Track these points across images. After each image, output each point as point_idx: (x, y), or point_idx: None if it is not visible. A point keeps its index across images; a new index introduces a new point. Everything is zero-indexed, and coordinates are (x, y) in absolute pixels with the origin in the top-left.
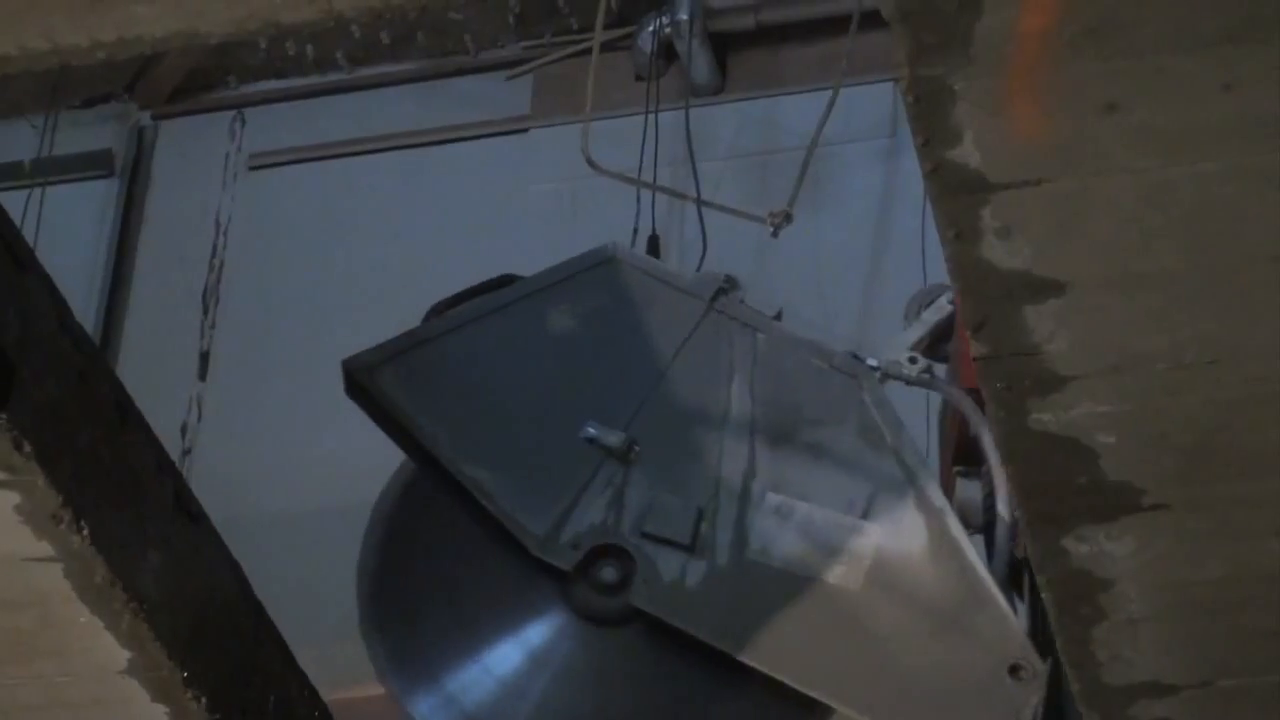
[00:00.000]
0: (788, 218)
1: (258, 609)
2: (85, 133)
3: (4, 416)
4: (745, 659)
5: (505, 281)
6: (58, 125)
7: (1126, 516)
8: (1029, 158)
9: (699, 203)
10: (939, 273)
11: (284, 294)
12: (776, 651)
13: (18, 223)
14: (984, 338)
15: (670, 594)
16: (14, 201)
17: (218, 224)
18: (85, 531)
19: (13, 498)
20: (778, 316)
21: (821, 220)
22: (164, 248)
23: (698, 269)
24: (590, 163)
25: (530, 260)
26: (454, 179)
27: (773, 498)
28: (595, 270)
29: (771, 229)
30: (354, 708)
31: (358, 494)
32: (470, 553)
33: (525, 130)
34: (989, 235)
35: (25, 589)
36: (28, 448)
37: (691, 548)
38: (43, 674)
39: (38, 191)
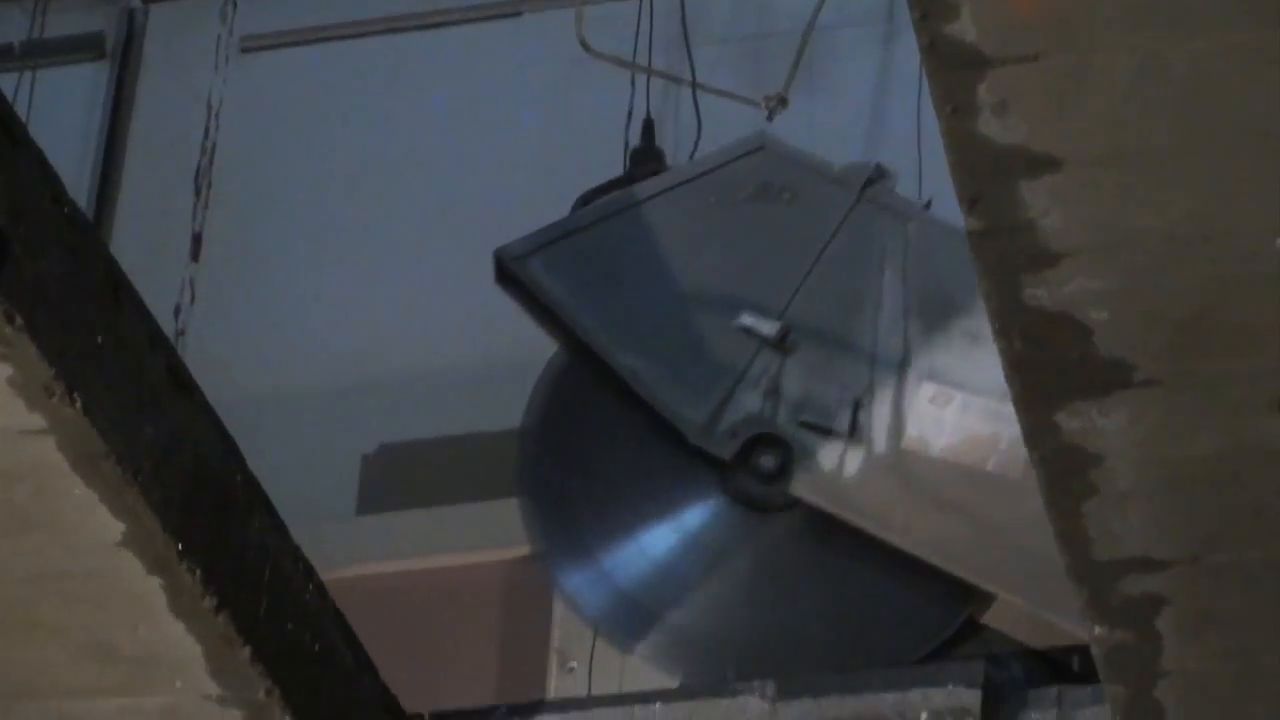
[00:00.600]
0: (782, 102)
1: (251, 482)
2: (76, 16)
3: None
4: (904, 546)
5: (654, 171)
6: (47, 8)
7: (1118, 392)
8: (1026, 33)
9: (694, 86)
10: (934, 158)
11: (277, 177)
12: (935, 539)
13: None
14: (979, 213)
15: (829, 483)
16: (4, 85)
17: (209, 107)
18: (78, 404)
19: (5, 370)
20: (927, 205)
21: (816, 105)
22: (156, 131)
23: (691, 154)
24: (584, 46)
25: (523, 145)
26: (446, 63)
27: (928, 386)
28: (746, 159)
29: (766, 113)
30: (349, 587)
31: (350, 376)
32: (626, 437)
33: (518, 14)
34: (985, 111)
35: (18, 462)
36: (19, 320)
37: (850, 436)
38: (37, 546)
39: (28, 75)
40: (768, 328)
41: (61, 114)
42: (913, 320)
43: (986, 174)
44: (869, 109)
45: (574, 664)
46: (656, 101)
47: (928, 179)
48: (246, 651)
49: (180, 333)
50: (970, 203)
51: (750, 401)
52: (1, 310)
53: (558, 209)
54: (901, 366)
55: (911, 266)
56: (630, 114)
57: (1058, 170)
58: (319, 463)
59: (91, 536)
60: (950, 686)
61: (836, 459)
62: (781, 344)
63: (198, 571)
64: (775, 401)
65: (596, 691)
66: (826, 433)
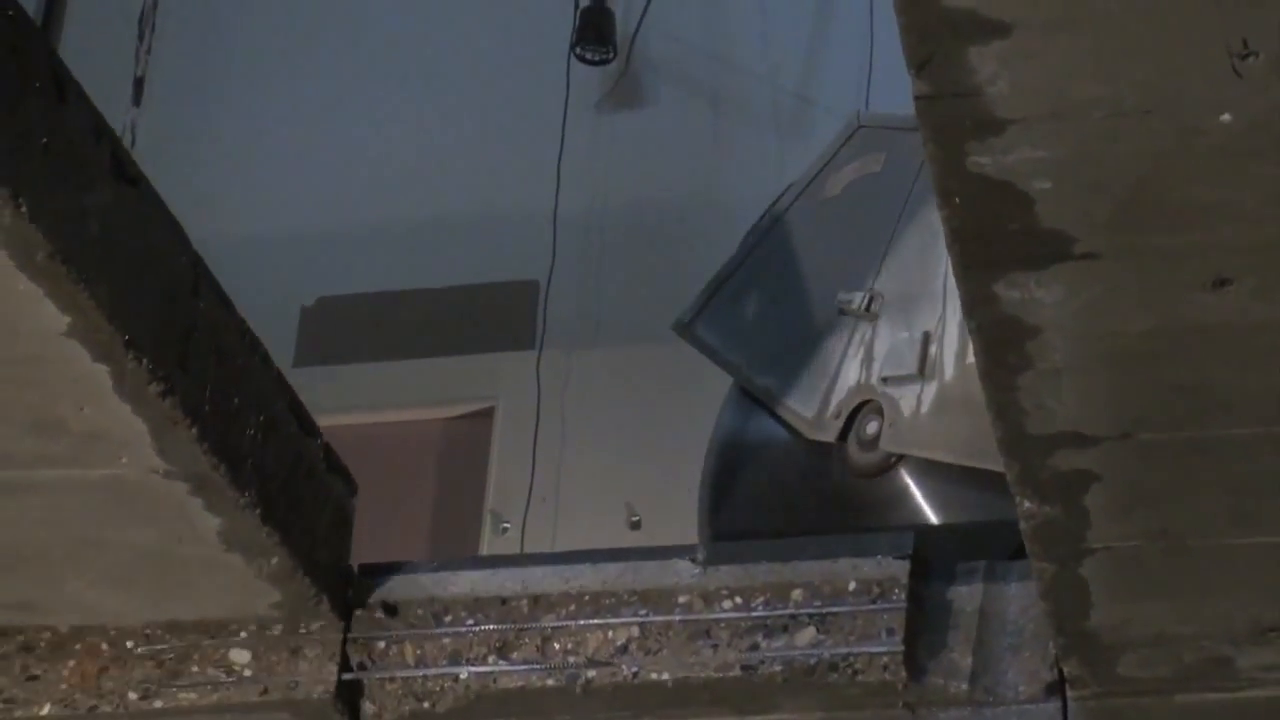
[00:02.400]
0: None
1: (196, 262)
2: None
3: None
4: (992, 466)
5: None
6: None
7: (1057, 264)
8: None
9: None
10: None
11: (221, 18)
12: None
13: None
14: (926, 77)
15: (911, 427)
16: None
17: None
18: (23, 209)
19: None
20: None
21: None
22: None
23: (642, 16)
24: None
25: (464, 10)
26: None
27: None
28: (847, 146)
29: None
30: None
31: (291, 227)
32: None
33: None
34: None
35: None
36: None
37: (921, 374)
38: None
39: None
40: (855, 298)
41: None
42: None
43: (935, 37)
44: None
45: (508, 524)
46: None
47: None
48: (193, 431)
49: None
50: (918, 66)
51: (851, 375)
52: None
53: (508, 67)
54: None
55: None
56: None
57: (1007, 35)
58: (256, 313)
59: (38, 327)
60: (879, 557)
61: (914, 401)
62: (869, 310)
63: (143, 360)
64: (869, 366)
65: (527, 551)
66: (902, 379)
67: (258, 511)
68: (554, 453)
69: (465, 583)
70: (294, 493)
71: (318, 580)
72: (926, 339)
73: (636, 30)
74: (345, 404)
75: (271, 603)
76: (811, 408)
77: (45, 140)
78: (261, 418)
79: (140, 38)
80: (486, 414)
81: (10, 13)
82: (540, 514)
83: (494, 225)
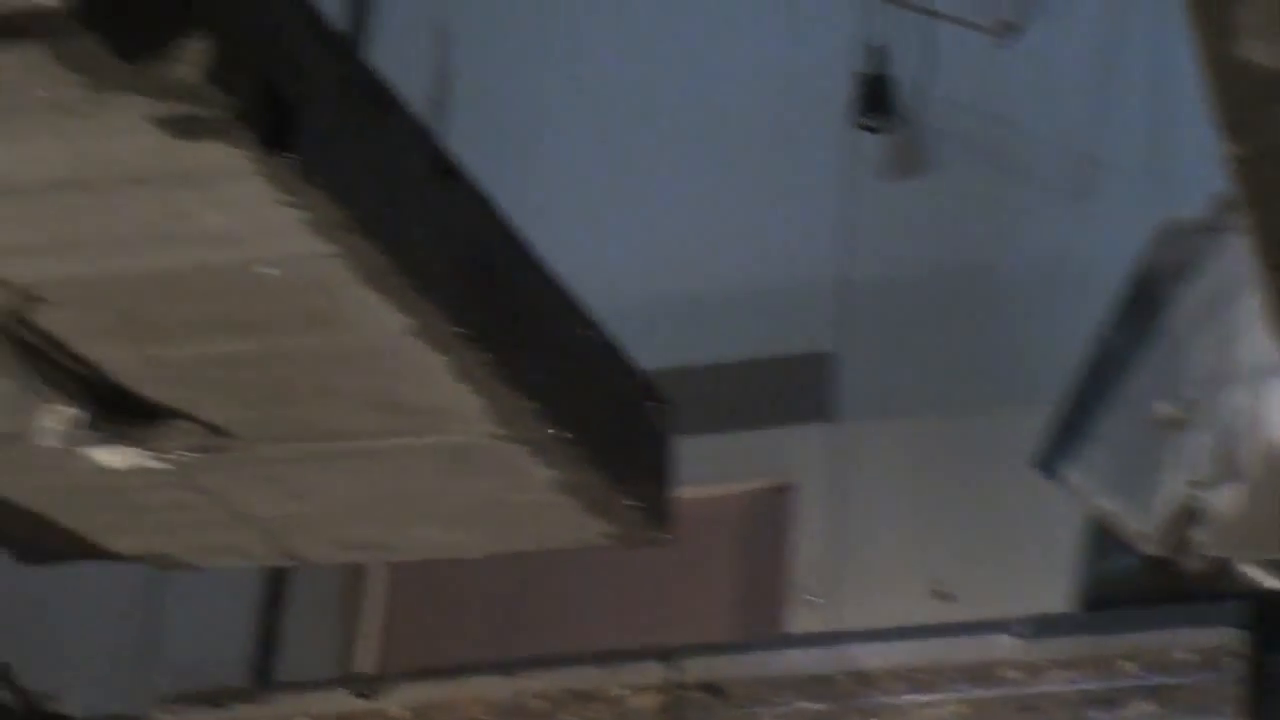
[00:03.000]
0: (1013, 28)
1: (514, 243)
2: None
3: (288, 155)
4: None
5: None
6: None
7: None
8: None
9: (926, 12)
10: (1176, 81)
11: (504, 104)
12: None
13: None
14: (1241, 138)
15: (1229, 530)
16: None
17: (441, 33)
18: (365, 234)
19: (301, 215)
20: None
21: (1051, 30)
22: (389, 57)
23: (923, 82)
24: None
25: (753, 73)
26: None
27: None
28: (1156, 254)
29: (998, 39)
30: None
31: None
32: None
33: None
34: (1246, 34)
35: (312, 277)
36: (314, 177)
37: (1231, 474)
38: (331, 336)
39: None
40: (1167, 408)
41: None
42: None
43: (1248, 99)
44: (1106, 32)
45: (813, 598)
46: (889, 29)
47: (1164, 107)
48: (526, 404)
49: None
50: (1231, 128)
51: (1170, 486)
52: (300, 172)
53: (788, 138)
54: (1259, 380)
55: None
56: (861, 41)
57: None
58: None
59: (380, 328)
60: (1215, 627)
61: (1229, 503)
62: (1179, 417)
63: (479, 346)
64: (1184, 474)
65: (834, 627)
66: (1215, 483)
67: (589, 460)
68: (856, 525)
69: (785, 662)
70: (619, 433)
71: (649, 509)
72: (1233, 439)
73: (918, 96)
74: None
75: (604, 533)
76: (1144, 522)
77: (375, 163)
78: (585, 373)
79: (436, 117)
80: (786, 488)
81: (336, 48)
82: (845, 587)
83: (782, 298)
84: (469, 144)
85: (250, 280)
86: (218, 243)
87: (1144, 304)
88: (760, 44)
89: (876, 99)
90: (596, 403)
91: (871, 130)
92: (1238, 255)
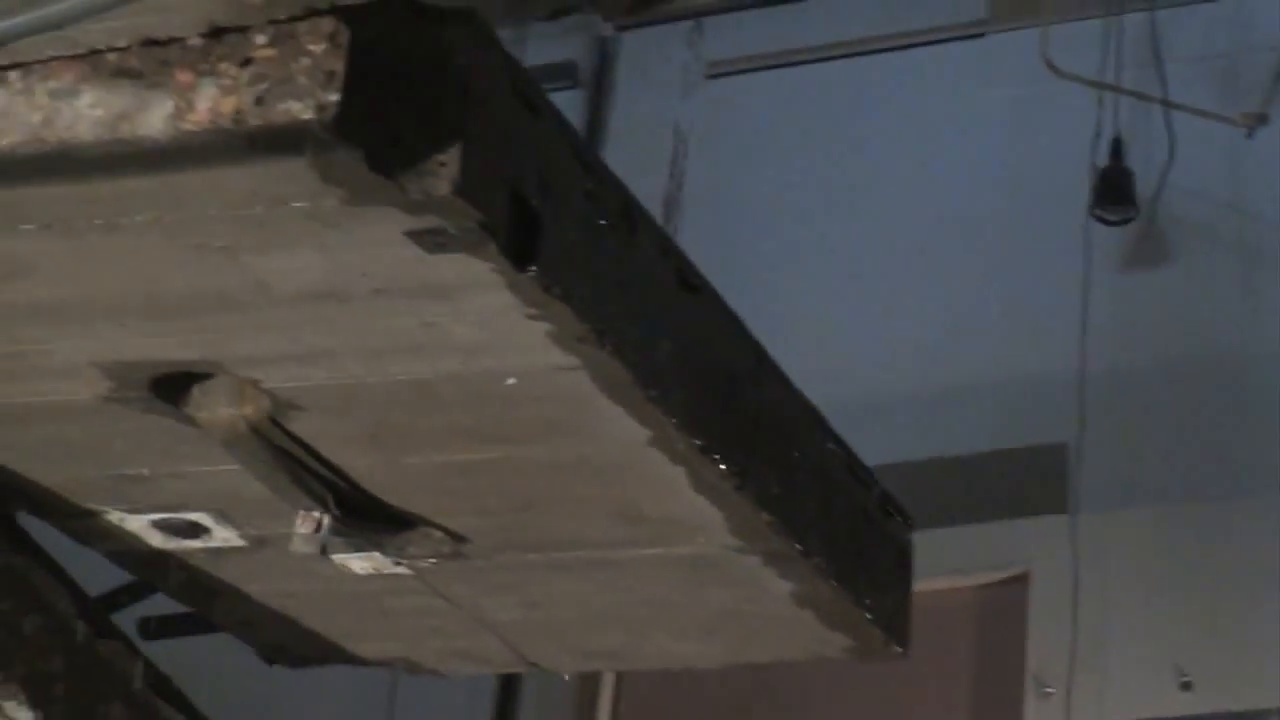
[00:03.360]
0: (1262, 119)
1: (759, 353)
2: (550, 44)
3: (532, 270)
4: None
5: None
6: (525, 38)
7: None
8: None
9: (1165, 104)
10: None
11: (743, 201)
12: None
13: None
14: None
15: None
16: None
17: (677, 132)
18: (607, 347)
19: (544, 327)
20: None
21: None
22: (626, 157)
23: (1163, 174)
24: (1050, 66)
25: (986, 169)
26: (910, 85)
27: None
28: None
29: (1245, 131)
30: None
31: (821, 399)
32: None
33: (982, 35)
34: None
35: (554, 389)
36: (556, 290)
37: None
38: (572, 446)
39: None
40: None
41: None
42: None
43: None
44: None
45: (1050, 690)
46: (1125, 121)
47: None
48: (764, 516)
49: None
50: None
51: None
52: (540, 284)
53: (1023, 232)
54: None
55: None
56: (1098, 134)
57: None
58: None
59: (620, 439)
60: None
61: None
62: None
63: (716, 458)
64: None
65: (1074, 717)
66: None
67: (825, 574)
68: (1095, 616)
69: None
70: (857, 546)
71: (886, 626)
72: None
73: (1159, 188)
74: None
75: (844, 647)
76: None
77: (620, 276)
78: (824, 486)
79: (667, 220)
80: (1021, 579)
81: (586, 160)
82: (1084, 678)
83: (1020, 389)
84: (702, 243)
85: (496, 391)
86: (465, 354)
87: None
88: (997, 138)
89: (1115, 191)
90: (835, 515)
91: (1111, 223)
92: None
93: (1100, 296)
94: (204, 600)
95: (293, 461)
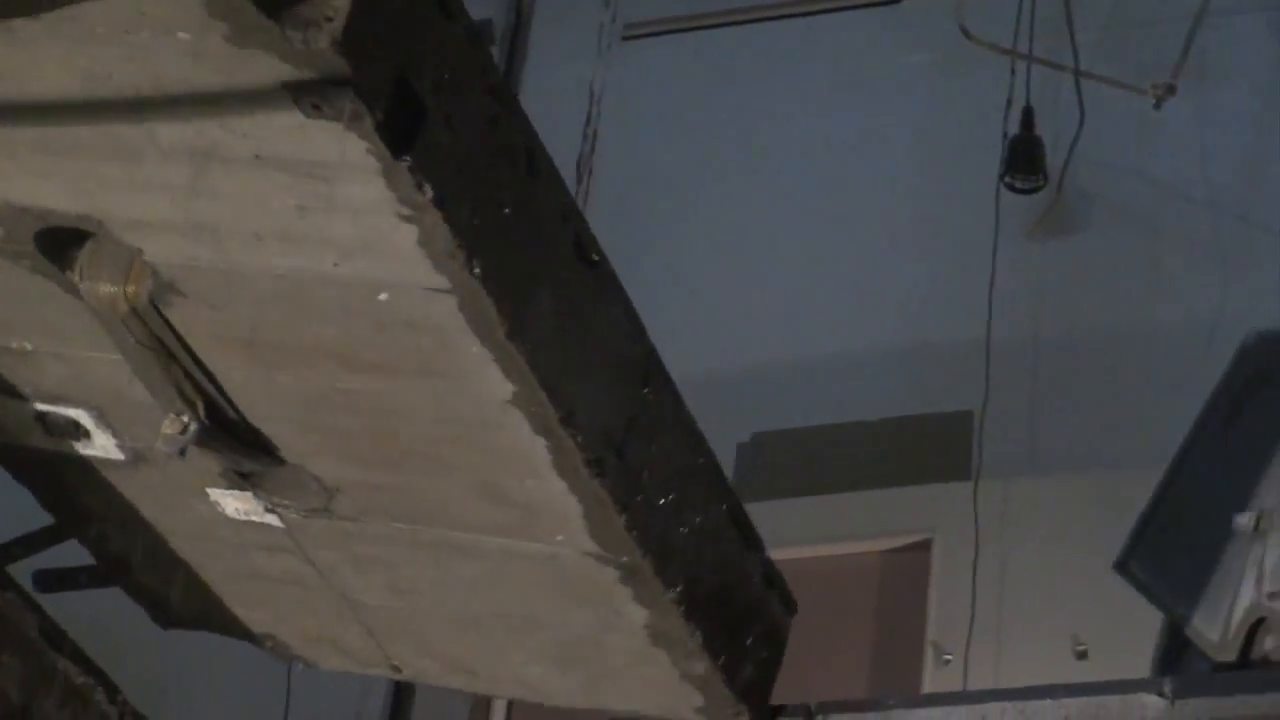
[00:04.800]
0: (1171, 90)
1: (650, 355)
2: (467, 2)
3: (406, 160)
4: None
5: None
6: None
7: None
8: None
9: (1076, 74)
10: None
11: (656, 164)
12: None
13: None
14: None
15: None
16: None
17: (592, 94)
18: (477, 271)
19: (413, 232)
20: None
21: (1206, 93)
22: (540, 117)
23: (1073, 143)
24: (965, 33)
25: (899, 135)
26: (824, 51)
27: None
28: (1240, 364)
29: (1154, 101)
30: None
31: (725, 364)
32: None
33: (898, 1)
34: None
35: (425, 314)
36: (428, 190)
37: None
38: (440, 391)
39: None
40: (1247, 519)
41: None
42: None
43: None
44: (1263, 96)
45: (949, 656)
46: (1037, 89)
47: None
48: (623, 518)
49: None
50: None
51: (1246, 596)
52: (413, 179)
53: (934, 199)
54: None
55: None
56: (1009, 102)
57: None
58: None
59: (486, 391)
60: None
61: None
62: (1258, 529)
63: (579, 438)
64: (1261, 585)
65: (972, 685)
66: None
67: (682, 609)
68: (994, 583)
69: None
70: (724, 600)
71: (740, 692)
72: None
73: (1068, 158)
74: (782, 538)
75: (695, 706)
76: (1216, 630)
77: (508, 210)
78: (698, 519)
79: (579, 181)
80: (924, 546)
81: (491, 81)
82: (982, 645)
83: (927, 356)
84: (613, 205)
85: (368, 307)
86: (341, 253)
87: (1228, 413)
88: (911, 104)
89: (1025, 160)
90: (706, 557)
91: (1021, 191)
92: None
93: (1009, 265)
94: (79, 523)
95: (168, 356)
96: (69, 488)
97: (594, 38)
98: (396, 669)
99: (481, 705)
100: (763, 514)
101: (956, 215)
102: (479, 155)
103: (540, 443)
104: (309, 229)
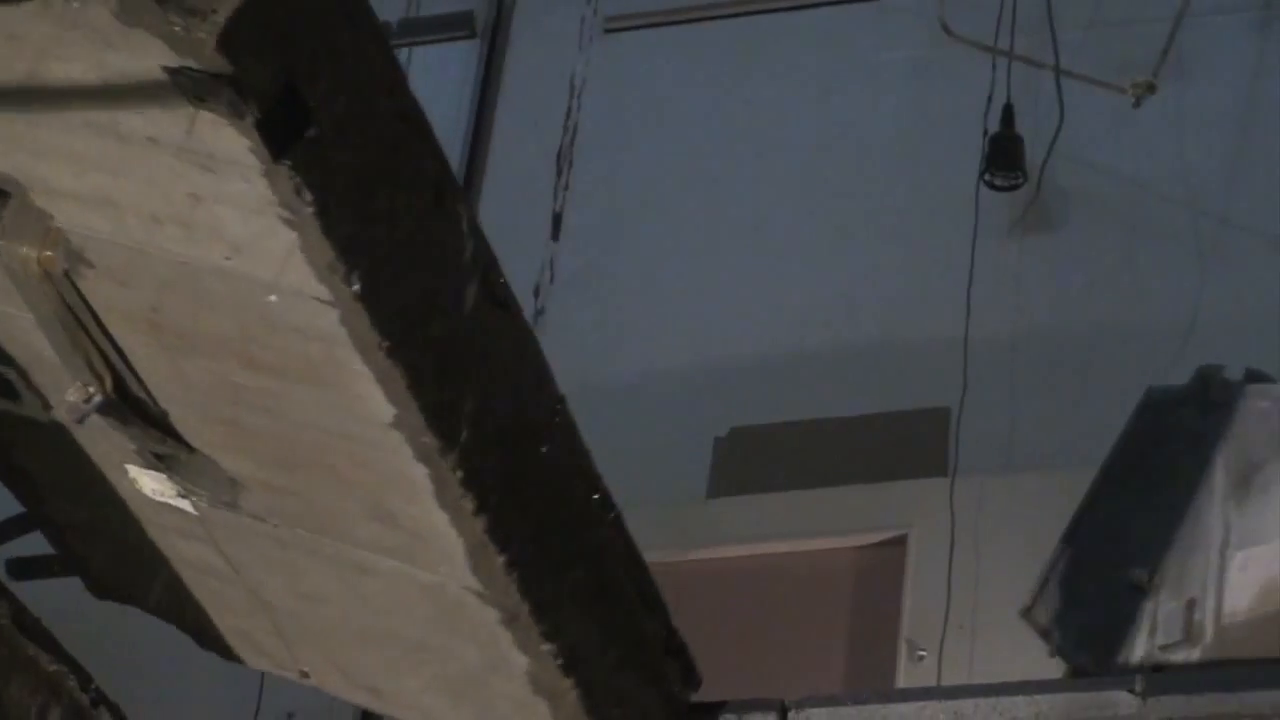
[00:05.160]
0: (1150, 89)
1: (556, 406)
2: None
3: (286, 163)
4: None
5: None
6: None
7: None
8: None
9: (1057, 71)
10: None
11: (636, 156)
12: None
13: None
14: None
15: (1181, 698)
16: None
17: (572, 86)
18: (356, 287)
19: (292, 237)
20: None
21: (1186, 92)
22: (521, 109)
23: (1053, 141)
24: (945, 29)
25: (879, 129)
26: (804, 45)
27: (1238, 555)
28: (1141, 420)
29: (1133, 99)
30: (701, 570)
31: (704, 359)
32: None
33: None
34: None
35: (312, 323)
36: (308, 197)
37: (1187, 640)
38: (330, 401)
39: (404, 52)
40: (1143, 573)
41: (435, 91)
42: (1228, 495)
43: None
44: (1243, 94)
45: (924, 652)
46: (1017, 87)
47: None
48: (502, 559)
49: (540, 311)
50: None
51: (1139, 649)
52: (291, 183)
53: (915, 195)
54: (1223, 548)
55: (1226, 441)
56: (990, 99)
57: None
58: (672, 445)
59: (370, 410)
60: None
61: (1182, 665)
62: (1151, 582)
63: (460, 473)
64: (1153, 638)
65: (946, 681)
66: (1176, 646)
67: (560, 663)
68: (970, 579)
69: (897, 715)
70: (615, 662)
71: None
72: (1192, 605)
73: (1047, 155)
74: (759, 533)
75: None
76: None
77: (403, 237)
78: (588, 574)
79: (558, 173)
80: (899, 541)
81: (401, 106)
82: (957, 641)
83: (905, 352)
84: (593, 197)
85: (260, 305)
86: (231, 248)
87: (1127, 466)
88: (892, 101)
89: (1005, 157)
90: (597, 620)
91: (1000, 189)
92: (1217, 426)
93: (987, 262)
94: (17, 482)
95: (78, 325)
96: (4, 443)
97: (575, 30)
98: (305, 675)
99: None
100: (739, 509)
101: (936, 211)
102: (375, 175)
103: (421, 470)
104: (202, 219)
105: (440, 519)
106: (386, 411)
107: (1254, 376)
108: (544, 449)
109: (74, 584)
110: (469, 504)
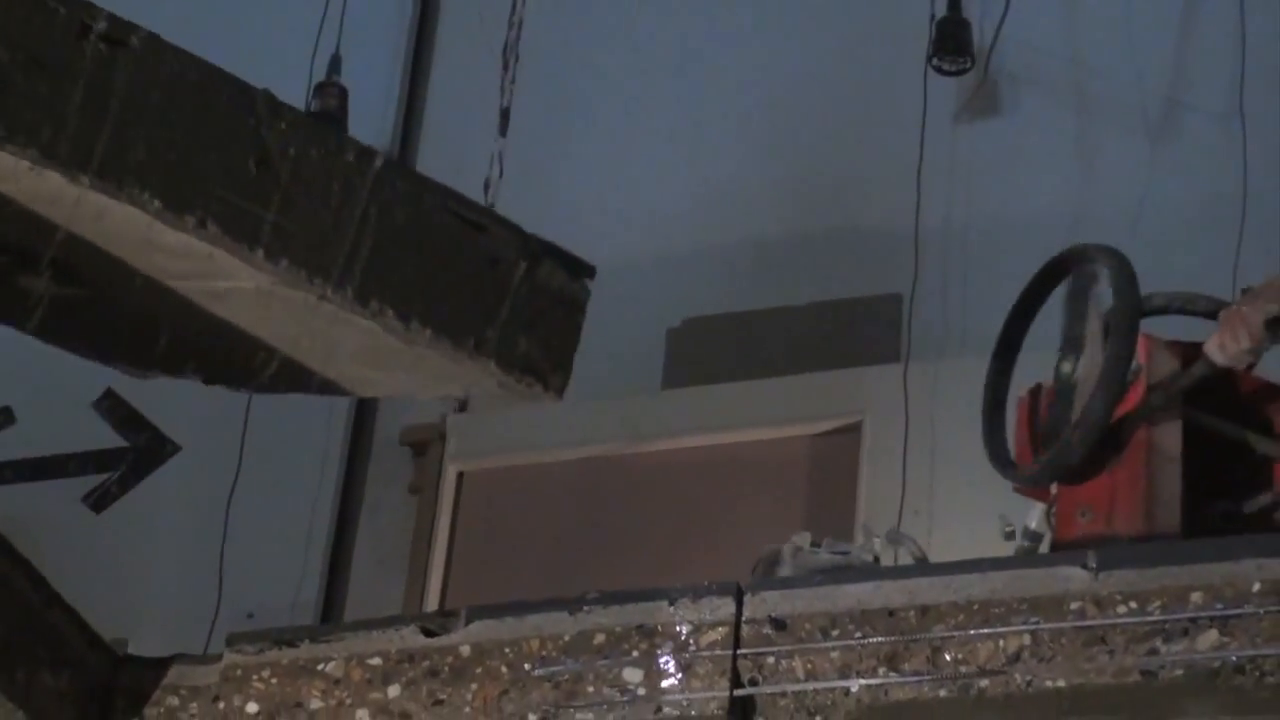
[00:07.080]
0: None
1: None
2: None
3: None
4: None
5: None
6: None
7: None
8: None
9: None
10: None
11: (583, 49)
12: None
13: None
14: None
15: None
16: None
17: None
18: None
19: None
20: None
21: None
22: (466, 4)
23: (1000, 24)
24: None
25: (827, 15)
26: None
27: None
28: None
29: None
30: (656, 461)
31: (656, 249)
32: None
33: None
34: None
35: None
36: None
37: None
38: None
39: None
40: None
41: None
42: None
43: None
44: None
45: (880, 538)
46: None
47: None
48: None
49: (490, 206)
50: None
51: None
52: None
53: (863, 81)
54: None
55: None
56: None
57: None
58: (625, 337)
59: None
60: None
61: None
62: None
63: None
64: None
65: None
66: None
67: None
68: (925, 465)
69: (852, 596)
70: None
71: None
72: None
73: (994, 39)
74: (713, 423)
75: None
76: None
77: None
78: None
79: (505, 68)
80: (854, 428)
81: None
82: (913, 527)
83: (855, 240)
84: (540, 91)
85: None
86: None
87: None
88: None
89: (953, 42)
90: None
91: (948, 73)
92: None
93: (937, 148)
94: None
95: None
96: None
97: None
98: None
99: (415, 590)
100: (694, 399)
101: (885, 99)
102: None
103: None
104: None
105: None
106: None
107: None
108: None
109: (28, 488)
110: None
